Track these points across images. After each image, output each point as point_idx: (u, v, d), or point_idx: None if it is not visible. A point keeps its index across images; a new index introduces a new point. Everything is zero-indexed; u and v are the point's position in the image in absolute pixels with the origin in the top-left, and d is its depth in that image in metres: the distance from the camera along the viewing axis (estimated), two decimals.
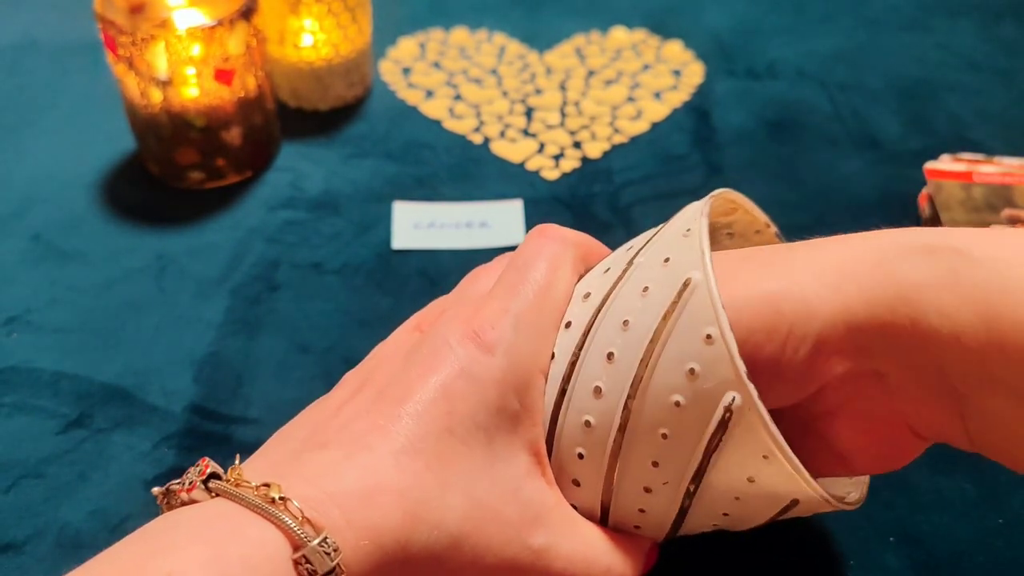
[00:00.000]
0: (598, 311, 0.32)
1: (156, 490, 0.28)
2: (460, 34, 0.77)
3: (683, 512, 0.31)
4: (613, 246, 0.56)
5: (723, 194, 0.35)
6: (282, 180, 0.61)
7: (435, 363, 0.29)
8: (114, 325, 0.51)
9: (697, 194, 0.60)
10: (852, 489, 0.35)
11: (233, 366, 0.48)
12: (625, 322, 0.30)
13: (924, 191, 0.58)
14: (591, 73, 0.73)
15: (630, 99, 0.70)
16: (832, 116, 0.68)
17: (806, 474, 0.28)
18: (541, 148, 0.65)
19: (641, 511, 0.32)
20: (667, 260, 0.31)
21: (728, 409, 0.28)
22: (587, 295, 0.33)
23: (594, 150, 0.65)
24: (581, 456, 0.31)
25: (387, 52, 0.75)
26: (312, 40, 0.64)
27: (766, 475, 0.29)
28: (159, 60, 0.52)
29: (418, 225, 0.58)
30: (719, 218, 0.36)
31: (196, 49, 0.52)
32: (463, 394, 0.28)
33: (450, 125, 0.67)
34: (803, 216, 0.59)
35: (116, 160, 0.61)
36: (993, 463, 0.44)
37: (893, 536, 0.41)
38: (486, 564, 0.28)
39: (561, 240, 0.34)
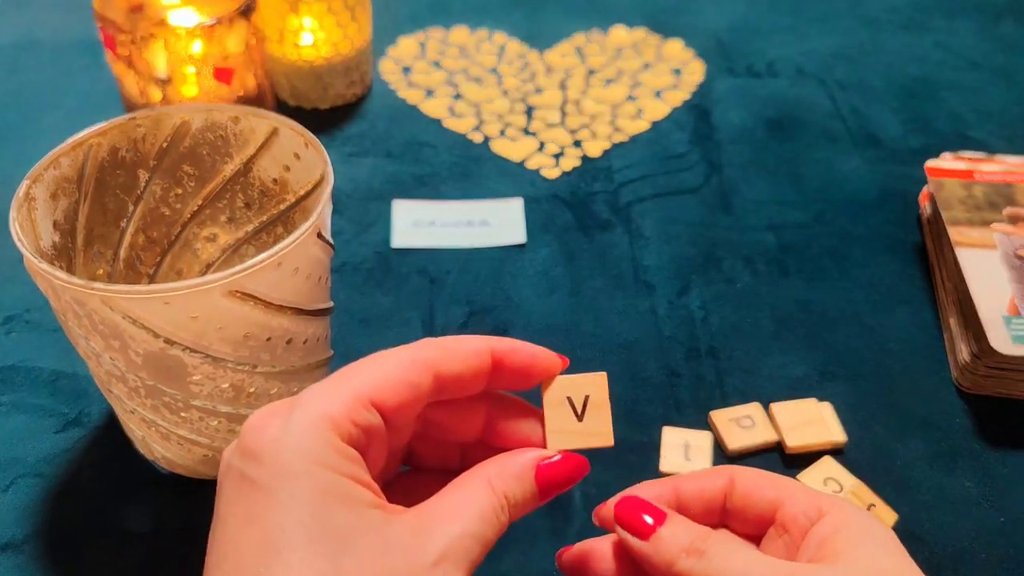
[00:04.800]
0: None
1: None
2: (460, 33, 0.77)
3: None
4: (613, 243, 0.56)
5: None
6: None
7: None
8: None
9: (697, 192, 0.61)
10: None
11: None
12: None
13: (925, 189, 0.58)
14: (591, 72, 0.73)
15: (630, 98, 0.70)
16: (832, 114, 0.68)
17: None
18: (541, 147, 0.65)
19: None
20: None
21: None
22: None
23: (594, 149, 0.65)
24: None
25: (387, 51, 0.75)
26: (312, 39, 0.64)
27: None
28: (158, 59, 0.52)
29: (418, 223, 0.58)
30: None
31: (196, 48, 0.52)
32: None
33: (450, 124, 0.67)
34: (803, 214, 0.59)
35: None
36: (994, 461, 0.44)
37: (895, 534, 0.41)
38: None
39: None
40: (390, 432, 0.28)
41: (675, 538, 0.29)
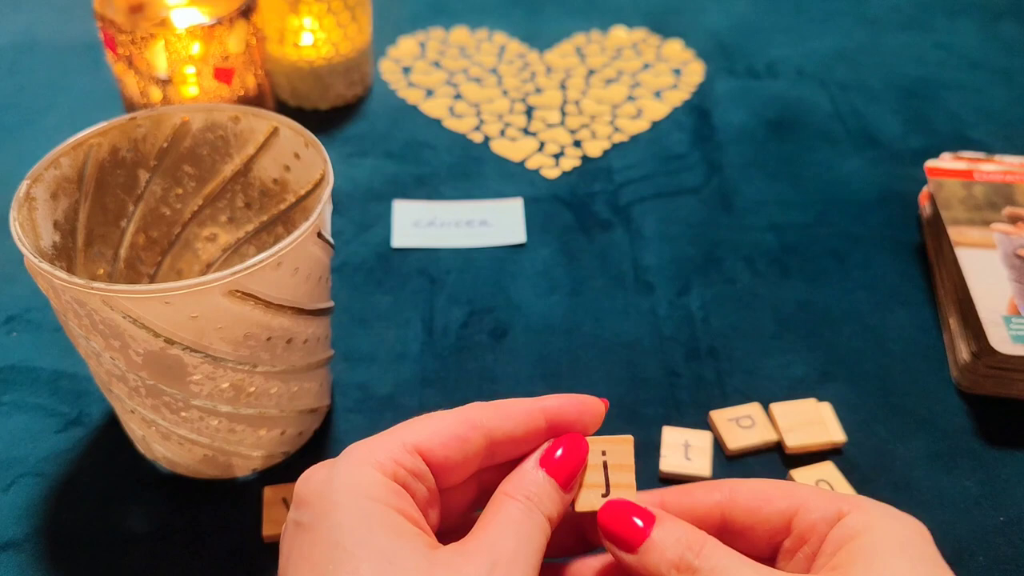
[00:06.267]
0: None
1: None
2: (460, 33, 0.77)
3: None
4: (613, 243, 0.57)
5: None
6: None
7: None
8: None
9: (698, 192, 0.61)
10: None
11: None
12: None
13: (925, 189, 0.58)
14: (591, 72, 0.73)
15: (630, 98, 0.70)
16: (832, 115, 0.68)
17: None
18: (541, 147, 0.65)
19: None
20: None
21: None
22: None
23: (594, 149, 0.65)
24: None
25: (387, 51, 0.75)
26: (312, 39, 0.64)
27: None
28: (159, 59, 0.52)
29: (418, 224, 0.58)
30: None
31: (196, 48, 0.52)
32: None
33: (450, 124, 0.67)
34: (804, 214, 0.59)
35: None
36: (994, 461, 0.44)
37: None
38: None
39: None
40: (451, 492, 0.29)
41: (664, 550, 0.27)
